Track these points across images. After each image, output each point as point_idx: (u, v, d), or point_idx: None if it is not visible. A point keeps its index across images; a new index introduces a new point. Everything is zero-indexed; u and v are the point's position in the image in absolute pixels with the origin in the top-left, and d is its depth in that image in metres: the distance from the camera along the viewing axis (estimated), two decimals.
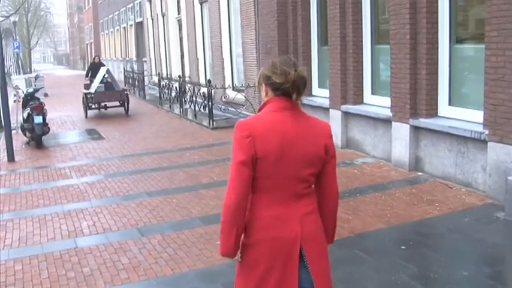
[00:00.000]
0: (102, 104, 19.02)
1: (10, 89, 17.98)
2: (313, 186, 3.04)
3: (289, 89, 2.88)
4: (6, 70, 43.95)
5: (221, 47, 17.47)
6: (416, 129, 8.79)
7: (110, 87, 19.29)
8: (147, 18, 29.19)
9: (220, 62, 17.66)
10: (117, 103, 19.09)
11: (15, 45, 33.28)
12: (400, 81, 8.94)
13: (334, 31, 10.72)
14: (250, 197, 2.93)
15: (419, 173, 8.73)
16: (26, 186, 9.63)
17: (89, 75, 20.53)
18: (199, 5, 19.78)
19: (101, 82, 18.81)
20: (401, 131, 9.01)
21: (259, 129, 2.86)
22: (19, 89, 15.68)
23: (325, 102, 11.40)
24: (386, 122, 9.48)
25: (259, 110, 3.03)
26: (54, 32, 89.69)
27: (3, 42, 48.21)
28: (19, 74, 34.41)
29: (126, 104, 18.89)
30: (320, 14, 11.99)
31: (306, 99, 12.11)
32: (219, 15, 17.36)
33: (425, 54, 8.49)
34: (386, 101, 9.73)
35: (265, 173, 2.87)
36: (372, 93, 10.42)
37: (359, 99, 10.54)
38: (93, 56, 23.93)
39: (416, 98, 8.78)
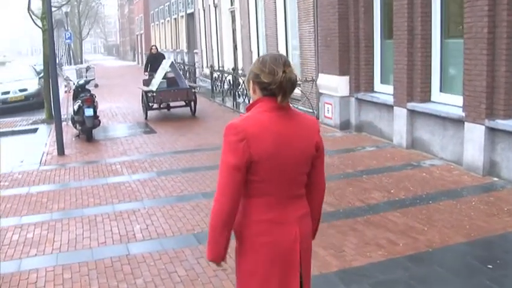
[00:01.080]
0: (165, 104, 16.30)
1: (61, 79, 17.80)
2: (304, 185, 2.98)
3: (276, 90, 2.79)
4: (57, 61, 44.49)
5: (276, 39, 16.89)
6: (492, 131, 8.10)
7: (173, 83, 16.56)
8: (198, 9, 28.79)
9: None
10: (182, 103, 16.48)
11: (66, 36, 33.36)
12: (475, 79, 8.24)
13: (401, 24, 10.05)
14: (242, 202, 2.86)
15: (495, 179, 8.04)
16: (75, 183, 9.29)
17: (148, 69, 18.95)
18: None
19: (163, 77, 16.14)
20: (474, 132, 8.32)
21: (253, 131, 2.78)
22: (70, 80, 15.39)
23: (389, 99, 10.74)
24: (458, 122, 8.80)
25: (248, 109, 2.95)
26: (104, 23, 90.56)
27: (56, 33, 48.80)
28: (70, 64, 34.49)
29: (193, 104, 16.23)
30: (384, 5, 11.32)
31: (367, 96, 11.50)
32: (275, 6, 16.77)
33: (505, 49, 7.79)
34: (457, 99, 9.06)
35: (261, 176, 2.81)
36: (441, 91, 9.72)
37: (426, 97, 9.86)
38: (150, 46, 20.71)
39: (493, 97, 8.09)
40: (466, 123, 8.51)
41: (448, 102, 9.45)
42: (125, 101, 21.32)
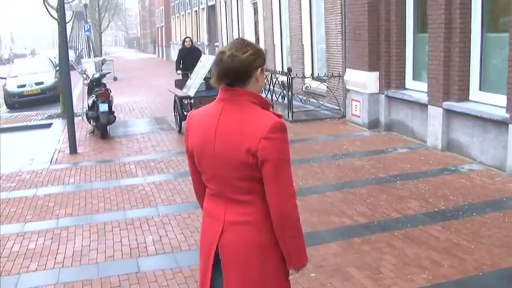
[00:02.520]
0: None
1: (77, 73, 17.21)
2: (254, 194, 2.66)
3: (215, 73, 2.66)
4: (77, 53, 44.07)
5: (301, 32, 16.13)
6: None
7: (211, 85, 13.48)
8: (219, 1, 28.16)
9: (299, 48, 16.35)
10: None
11: (86, 28, 32.85)
12: None
13: (437, 16, 9.29)
14: None
15: None
16: (86, 185, 8.69)
17: (181, 66, 15.34)
18: None
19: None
20: None
21: (193, 123, 2.80)
22: (84, 73, 14.78)
23: (423, 98, 9.99)
24: (501, 124, 8.05)
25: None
26: (125, 16, 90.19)
27: (76, 25, 48.30)
28: (90, 57, 34.03)
29: None
30: None
31: (398, 93, 10.75)
32: None
33: None
34: (499, 99, 8.32)
35: (198, 168, 2.81)
36: (481, 90, 8.95)
37: (464, 96, 9.10)
38: (182, 39, 16.72)
39: None
40: (510, 125, 7.76)
41: (488, 101, 8.69)
42: (144, 95, 20.74)
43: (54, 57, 31.40)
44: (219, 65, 2.62)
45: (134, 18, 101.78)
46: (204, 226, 2.86)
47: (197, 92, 11.64)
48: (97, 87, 13.08)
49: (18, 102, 20.89)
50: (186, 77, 13.89)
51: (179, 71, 15.30)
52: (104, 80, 13.95)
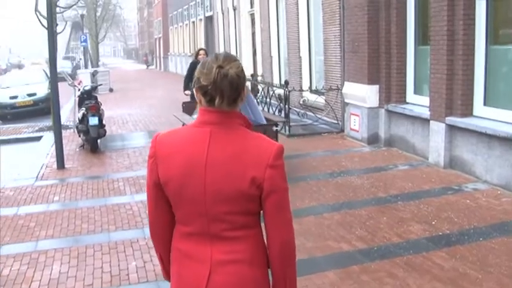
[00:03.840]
0: None
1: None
2: (247, 229, 2.36)
3: (212, 91, 2.28)
4: (74, 64, 43.68)
5: (298, 43, 15.74)
6: None
7: None
8: (217, 12, 27.85)
9: (297, 60, 15.95)
10: None
11: (82, 39, 32.50)
12: None
13: (440, 28, 8.90)
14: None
15: None
16: (71, 203, 8.25)
17: (190, 84, 11.33)
18: None
19: None
20: None
21: (165, 149, 2.37)
22: (75, 86, 14.32)
23: (424, 112, 9.58)
24: (507, 140, 7.66)
25: None
26: (124, 26, 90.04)
27: (73, 36, 48.03)
28: (86, 68, 33.70)
29: None
30: (419, 7, 10.17)
31: (399, 107, 10.35)
32: (297, 7, 15.61)
33: None
34: (505, 114, 7.98)
35: (173, 202, 2.39)
36: (485, 104, 8.55)
37: (468, 111, 8.70)
38: (196, 50, 14.07)
39: None
40: None
41: (493, 117, 8.29)
42: (138, 108, 20.30)
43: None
44: (224, 81, 2.26)
45: (133, 29, 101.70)
46: (180, 270, 2.44)
47: None
48: (88, 99, 12.67)
49: (10, 113, 20.47)
50: (194, 98, 11.41)
51: (188, 91, 12.64)
52: (100, 91, 13.55)
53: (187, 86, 12.68)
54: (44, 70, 24.91)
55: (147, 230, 6.79)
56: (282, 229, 2.37)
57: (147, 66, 59.64)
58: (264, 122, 8.89)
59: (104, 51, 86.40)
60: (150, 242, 6.32)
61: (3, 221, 7.56)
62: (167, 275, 2.62)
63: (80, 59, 46.74)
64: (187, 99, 12.52)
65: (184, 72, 13.84)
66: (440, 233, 6.18)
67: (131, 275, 5.55)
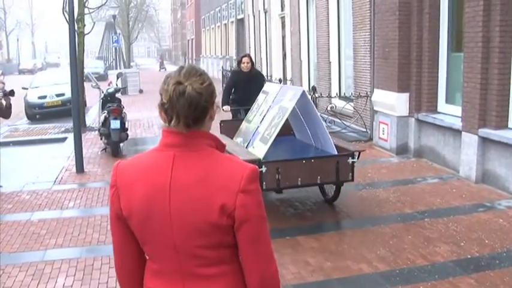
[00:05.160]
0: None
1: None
2: (224, 264, 2.06)
3: (169, 111, 1.98)
4: (107, 64, 43.89)
5: (328, 48, 15.35)
6: None
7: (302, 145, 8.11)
8: (248, 15, 27.58)
9: (326, 65, 15.56)
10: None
11: (113, 40, 32.52)
12: None
13: (475, 34, 8.45)
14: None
15: None
16: (85, 210, 8.04)
17: (231, 97, 10.54)
18: (305, 0, 17.74)
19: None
20: None
21: (127, 178, 2.08)
22: (98, 87, 14.09)
23: (456, 123, 9.13)
24: None
25: None
26: (158, 27, 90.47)
27: (107, 36, 48.26)
28: (118, 68, 33.75)
29: (337, 190, 7.60)
30: (453, 12, 9.72)
31: (429, 117, 9.90)
32: (328, 11, 15.23)
33: None
34: None
35: (139, 237, 2.09)
36: None
37: (503, 123, 8.24)
38: (239, 57, 10.99)
39: None
40: None
41: None
42: None
43: (84, 68, 30.69)
44: (180, 100, 1.96)
45: (167, 30, 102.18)
46: None
47: (272, 151, 6.95)
48: (111, 102, 12.46)
49: (39, 113, 20.46)
50: (236, 116, 10.34)
51: (227, 107, 10.31)
52: (130, 92, 13.31)
53: (226, 100, 10.44)
54: None
55: None
56: (260, 264, 2.06)
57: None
58: (334, 150, 7.15)
59: (138, 52, 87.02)
60: None
61: (15, 227, 7.36)
62: None
63: (113, 59, 46.94)
64: (227, 116, 10.47)
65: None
66: (469, 256, 5.76)
67: None
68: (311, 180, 6.87)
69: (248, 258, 2.05)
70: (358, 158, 7.03)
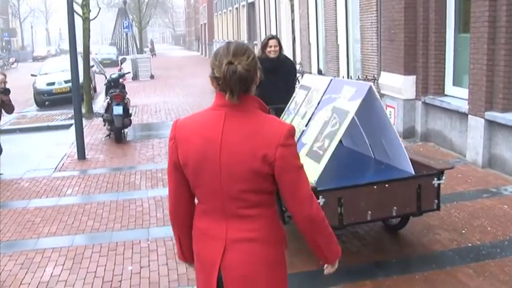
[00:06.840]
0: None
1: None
2: (262, 207, 2.49)
3: (223, 86, 2.41)
4: (121, 50, 43.71)
5: (336, 31, 15.08)
6: None
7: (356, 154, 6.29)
8: None
9: (334, 48, 15.30)
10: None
11: (124, 25, 32.35)
12: None
13: (481, 14, 8.18)
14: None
15: None
16: (82, 198, 7.93)
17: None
18: None
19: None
20: None
21: (185, 131, 2.51)
22: (102, 73, 13.93)
23: (463, 106, 8.89)
24: None
25: None
26: (172, 13, 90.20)
27: (119, 22, 48.09)
28: (129, 54, 33.60)
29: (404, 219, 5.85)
30: None
31: (436, 100, 9.65)
32: None
33: None
34: None
35: (192, 182, 2.53)
36: None
37: (510, 106, 7.98)
38: (265, 39, 8.12)
39: None
40: None
41: None
42: (175, 96, 19.97)
43: (96, 54, 30.68)
44: (233, 77, 2.37)
45: (181, 15, 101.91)
46: (199, 247, 2.61)
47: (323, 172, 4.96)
48: (114, 87, 12.31)
49: (48, 100, 20.42)
50: None
51: None
52: (141, 78, 13.17)
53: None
54: (81, 56, 24.86)
55: (151, 231, 6.45)
56: (303, 205, 2.46)
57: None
58: (411, 168, 5.30)
59: (153, 37, 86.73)
60: (152, 245, 5.94)
61: (10, 214, 7.29)
62: (182, 256, 2.79)
63: (126, 45, 46.86)
64: None
65: None
66: (470, 244, 5.55)
67: (124, 282, 5.12)
68: (384, 213, 5.06)
69: (291, 201, 2.45)
70: (442, 179, 5.24)
